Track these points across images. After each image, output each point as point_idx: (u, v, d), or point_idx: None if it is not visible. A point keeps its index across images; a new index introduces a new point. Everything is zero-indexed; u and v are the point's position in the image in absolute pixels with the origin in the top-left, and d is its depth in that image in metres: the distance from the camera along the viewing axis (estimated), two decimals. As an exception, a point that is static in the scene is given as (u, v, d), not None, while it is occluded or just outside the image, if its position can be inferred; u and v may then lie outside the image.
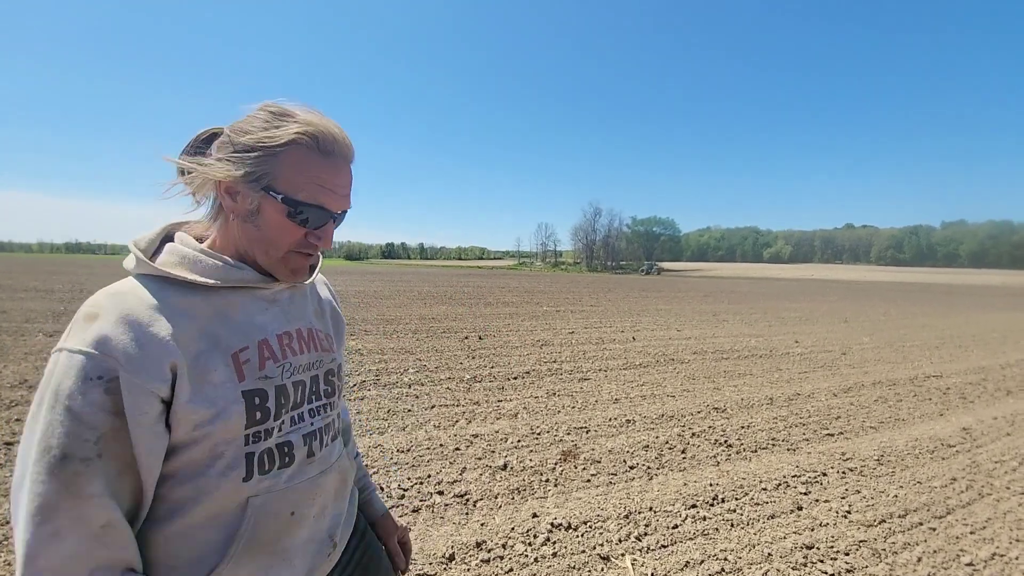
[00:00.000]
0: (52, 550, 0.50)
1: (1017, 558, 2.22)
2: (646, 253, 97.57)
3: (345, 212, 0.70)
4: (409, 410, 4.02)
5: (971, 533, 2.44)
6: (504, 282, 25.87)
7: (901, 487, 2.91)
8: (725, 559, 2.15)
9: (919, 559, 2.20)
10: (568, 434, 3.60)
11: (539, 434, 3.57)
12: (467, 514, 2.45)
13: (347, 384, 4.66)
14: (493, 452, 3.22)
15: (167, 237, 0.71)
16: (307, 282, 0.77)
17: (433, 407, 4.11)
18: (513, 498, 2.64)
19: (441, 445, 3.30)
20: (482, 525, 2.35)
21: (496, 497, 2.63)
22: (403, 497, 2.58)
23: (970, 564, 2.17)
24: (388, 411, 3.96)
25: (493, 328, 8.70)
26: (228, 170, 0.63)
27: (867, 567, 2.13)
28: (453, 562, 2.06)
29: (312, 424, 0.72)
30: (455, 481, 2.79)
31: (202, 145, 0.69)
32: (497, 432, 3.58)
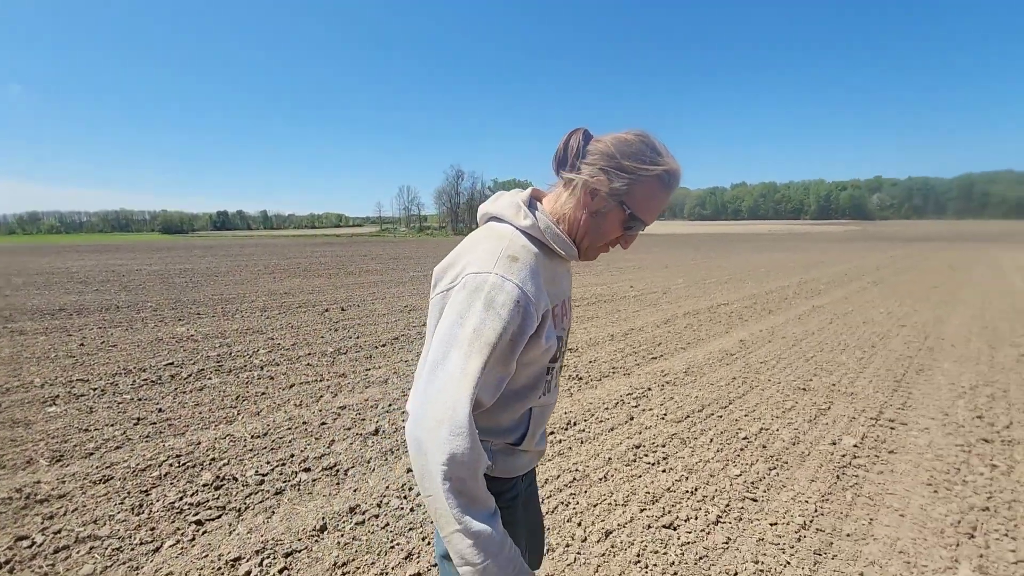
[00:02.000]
0: (463, 400, 0.71)
1: (777, 430, 3.05)
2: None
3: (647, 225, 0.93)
4: (263, 393, 3.65)
5: (745, 416, 3.27)
6: (366, 250, 24.39)
7: (700, 390, 3.73)
8: (576, 469, 2.53)
9: (711, 440, 2.89)
10: (439, 391, 3.70)
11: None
12: (338, 484, 2.40)
13: (239, 370, 4.00)
14: (363, 420, 3.16)
15: (530, 203, 0.90)
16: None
17: (292, 386, 3.81)
18: (387, 459, 2.65)
19: (305, 423, 3.10)
20: (355, 491, 2.33)
21: (368, 462, 2.62)
22: (262, 483, 2.39)
23: (745, 438, 2.93)
24: (237, 398, 3.54)
25: (356, 298, 8.25)
26: (606, 181, 0.82)
27: (677, 452, 2.73)
28: (325, 532, 2.02)
29: (558, 370, 0.97)
30: (323, 455, 2.68)
31: (582, 142, 0.86)
32: (367, 400, 3.50)
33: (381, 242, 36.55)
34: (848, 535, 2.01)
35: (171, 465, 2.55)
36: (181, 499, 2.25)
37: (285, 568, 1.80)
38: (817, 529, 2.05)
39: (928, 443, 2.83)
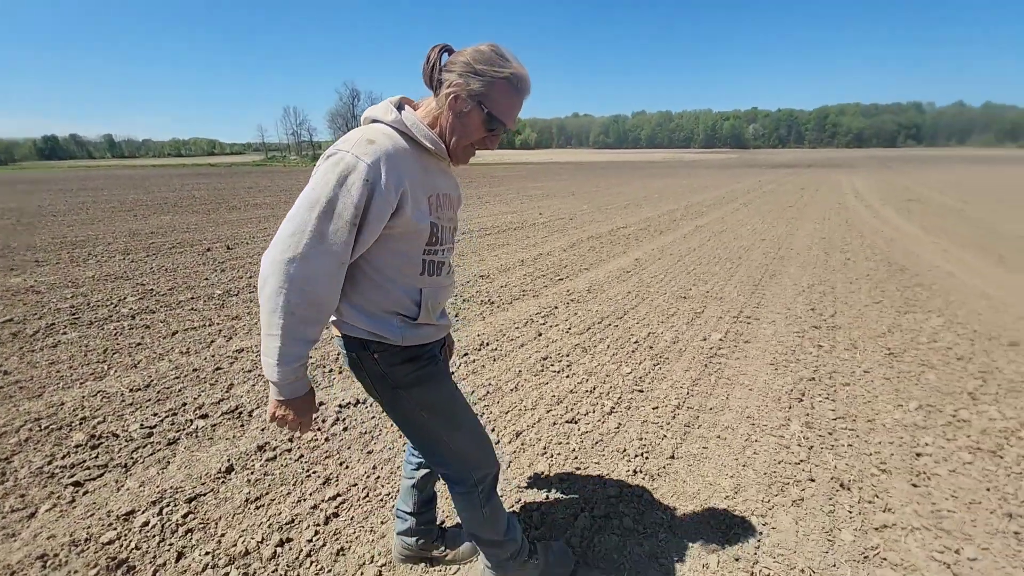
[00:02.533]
0: (315, 258, 0.91)
1: (662, 332, 3.47)
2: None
3: (511, 129, 1.07)
4: (139, 344, 3.24)
5: (636, 323, 3.66)
6: (251, 181, 21.47)
7: (600, 304, 4.08)
8: (490, 384, 2.69)
9: (608, 346, 3.23)
10: (348, 325, 3.58)
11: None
12: (242, 426, 2.30)
13: (103, 321, 3.35)
14: (265, 361, 2.98)
15: (399, 105, 1.06)
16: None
17: (175, 333, 3.42)
18: (296, 396, 2.57)
19: (195, 370, 2.85)
20: (262, 431, 2.25)
21: (276, 400, 2.51)
22: (150, 435, 2.20)
23: (635, 342, 3.30)
24: (104, 351, 3.11)
25: (244, 235, 7.39)
26: (464, 84, 0.98)
27: (579, 360, 3.01)
28: (233, 473, 1.95)
29: (448, 257, 1.16)
30: (221, 400, 2.52)
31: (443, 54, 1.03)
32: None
33: (268, 172, 32.33)
34: (711, 409, 2.45)
35: (31, 430, 2.22)
36: (51, 463, 2.00)
37: (190, 512, 1.73)
38: (688, 407, 2.46)
39: (773, 332, 3.45)
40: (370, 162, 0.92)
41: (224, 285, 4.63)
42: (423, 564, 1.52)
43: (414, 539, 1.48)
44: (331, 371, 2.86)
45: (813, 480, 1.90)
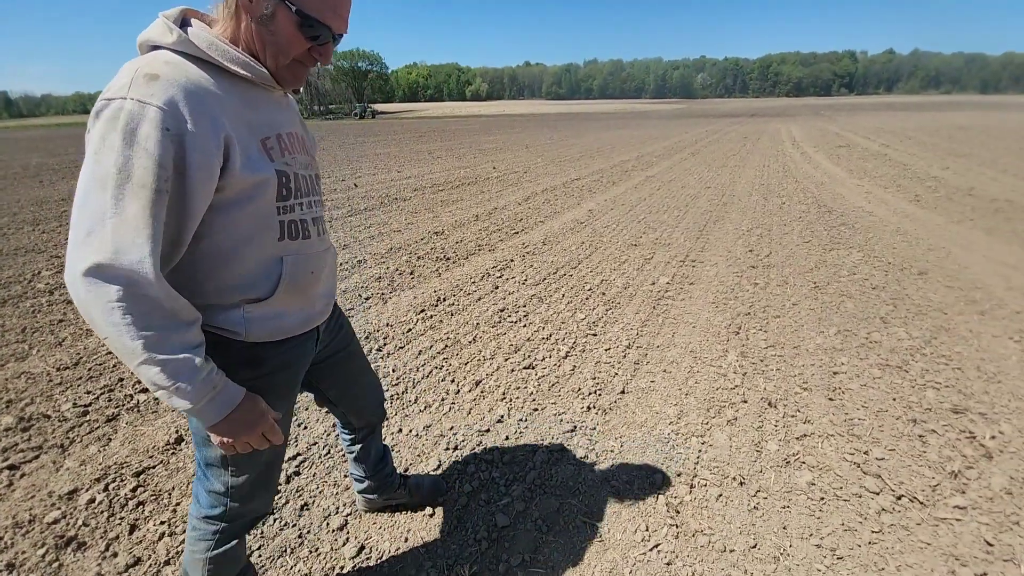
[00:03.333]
0: (130, 250, 0.66)
1: (614, 279, 3.58)
2: (356, 94, 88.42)
3: (343, 35, 0.83)
4: (61, 320, 2.99)
5: (590, 271, 3.76)
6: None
7: (555, 256, 4.14)
8: (448, 338, 2.72)
9: (563, 295, 3.31)
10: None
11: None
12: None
13: (17, 299, 2.99)
14: (209, 330, 2.84)
15: (184, 21, 0.78)
16: (292, 93, 0.95)
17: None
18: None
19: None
20: (214, 398, 2.18)
21: (224, 368, 2.43)
22: (85, 414, 2.08)
23: (589, 289, 3.40)
24: (23, 331, 2.84)
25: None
26: None
27: (536, 309, 3.08)
28: (183, 443, 1.90)
29: (315, 213, 0.94)
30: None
31: None
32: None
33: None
34: (658, 346, 2.60)
35: (-57, 418, 2.04)
36: (-26, 450, 1.85)
37: (139, 486, 1.68)
38: (637, 347, 2.60)
39: (715, 274, 3.65)
40: (161, 103, 0.66)
41: (154, 254, 4.29)
42: (387, 511, 1.57)
43: (375, 495, 1.49)
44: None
45: (746, 402, 2.10)
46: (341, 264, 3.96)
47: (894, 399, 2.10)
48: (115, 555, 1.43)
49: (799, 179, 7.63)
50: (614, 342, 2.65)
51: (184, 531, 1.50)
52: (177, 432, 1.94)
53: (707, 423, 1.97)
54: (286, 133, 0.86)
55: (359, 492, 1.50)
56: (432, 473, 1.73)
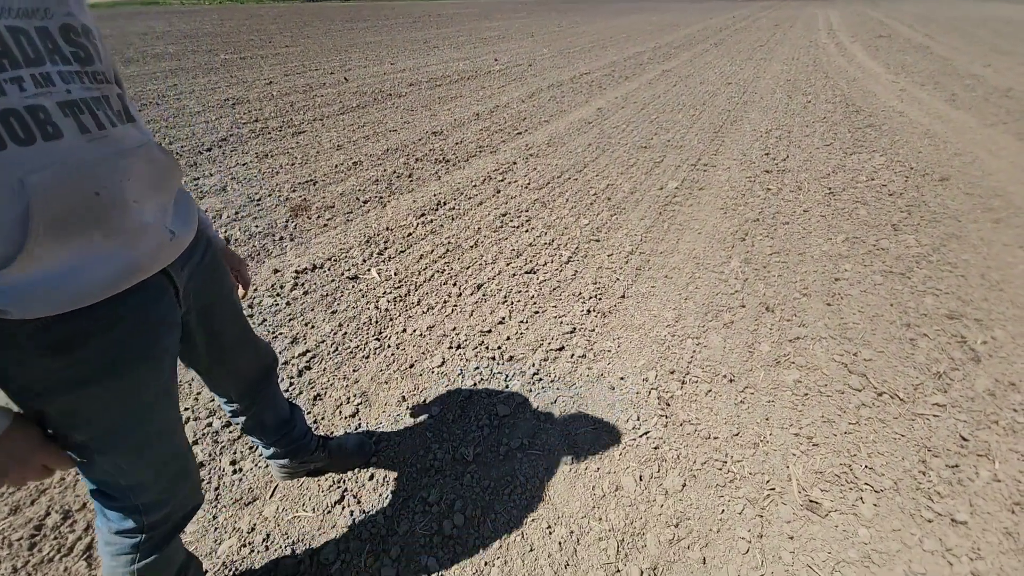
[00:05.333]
0: None
1: (621, 184, 3.44)
2: (338, -30, 77.77)
3: None
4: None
5: (596, 175, 3.60)
6: (144, 25, 17.54)
7: (560, 158, 3.93)
8: (449, 242, 2.69)
9: (567, 200, 3.20)
10: (294, 191, 3.34)
11: (259, 200, 3.21)
12: (198, 296, 2.24)
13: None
14: (207, 232, 2.80)
15: None
16: None
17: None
18: (249, 265, 2.49)
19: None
20: (220, 298, 2.22)
21: (227, 270, 2.44)
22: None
23: (594, 193, 3.28)
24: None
25: (151, 93, 6.30)
26: None
27: (538, 214, 3.00)
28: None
29: (70, 92, 0.58)
30: (168, 273, 2.41)
31: None
32: (205, 212, 3.04)
33: (162, 13, 26.32)
34: (661, 252, 2.58)
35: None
36: None
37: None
38: (640, 252, 2.58)
39: (727, 179, 3.50)
40: None
41: (140, 153, 4.09)
42: (309, 477, 1.40)
43: (288, 459, 1.28)
44: (281, 239, 2.74)
45: (744, 306, 2.13)
46: (336, 166, 3.78)
47: (891, 305, 2.12)
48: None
49: (830, 74, 6.98)
50: (617, 248, 2.62)
51: (207, 416, 1.61)
52: (189, 330, 2.01)
53: (703, 326, 2.01)
54: None
55: (268, 458, 1.29)
56: (356, 432, 1.54)
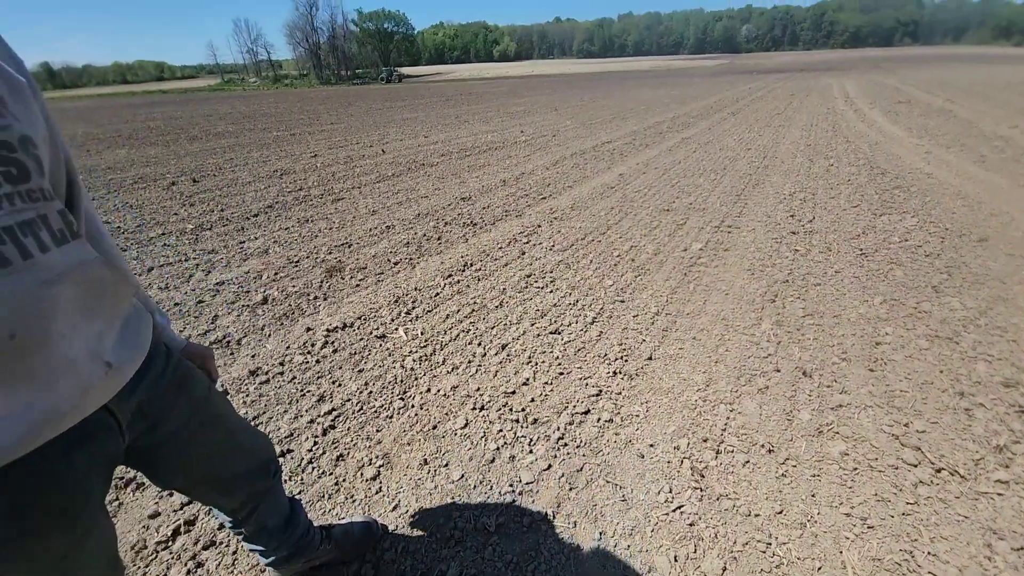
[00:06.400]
0: None
1: (644, 245, 3.49)
2: (382, 57, 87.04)
3: None
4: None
5: (619, 237, 3.67)
6: (210, 108, 19.83)
7: (583, 221, 4.05)
8: (474, 303, 2.74)
9: (591, 261, 3.26)
10: (330, 253, 3.54)
11: (297, 262, 3.40)
12: (232, 354, 2.33)
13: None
14: (248, 292, 2.96)
15: None
16: None
17: (151, 270, 3.34)
18: (282, 324, 2.60)
19: (177, 304, 2.83)
20: (253, 357, 2.30)
21: (262, 329, 2.54)
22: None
23: (618, 255, 3.33)
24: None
25: (210, 167, 6.98)
26: None
27: (562, 275, 3.05)
28: (228, 397, 2.02)
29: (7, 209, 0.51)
30: (207, 331, 2.53)
31: None
32: (247, 273, 3.24)
33: (227, 97, 29.80)
34: (688, 314, 2.55)
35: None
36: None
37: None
38: (666, 314, 2.55)
39: (752, 240, 3.50)
40: None
41: (195, 219, 4.46)
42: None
43: (292, 562, 1.15)
44: (315, 299, 2.86)
45: (779, 370, 2.04)
46: (370, 230, 4.00)
47: (941, 371, 1.99)
48: (172, 494, 1.56)
49: (850, 138, 7.10)
50: (642, 309, 2.60)
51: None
52: (222, 387, 2.07)
53: (736, 391, 1.93)
54: None
55: (269, 565, 1.13)
56: (363, 517, 1.39)
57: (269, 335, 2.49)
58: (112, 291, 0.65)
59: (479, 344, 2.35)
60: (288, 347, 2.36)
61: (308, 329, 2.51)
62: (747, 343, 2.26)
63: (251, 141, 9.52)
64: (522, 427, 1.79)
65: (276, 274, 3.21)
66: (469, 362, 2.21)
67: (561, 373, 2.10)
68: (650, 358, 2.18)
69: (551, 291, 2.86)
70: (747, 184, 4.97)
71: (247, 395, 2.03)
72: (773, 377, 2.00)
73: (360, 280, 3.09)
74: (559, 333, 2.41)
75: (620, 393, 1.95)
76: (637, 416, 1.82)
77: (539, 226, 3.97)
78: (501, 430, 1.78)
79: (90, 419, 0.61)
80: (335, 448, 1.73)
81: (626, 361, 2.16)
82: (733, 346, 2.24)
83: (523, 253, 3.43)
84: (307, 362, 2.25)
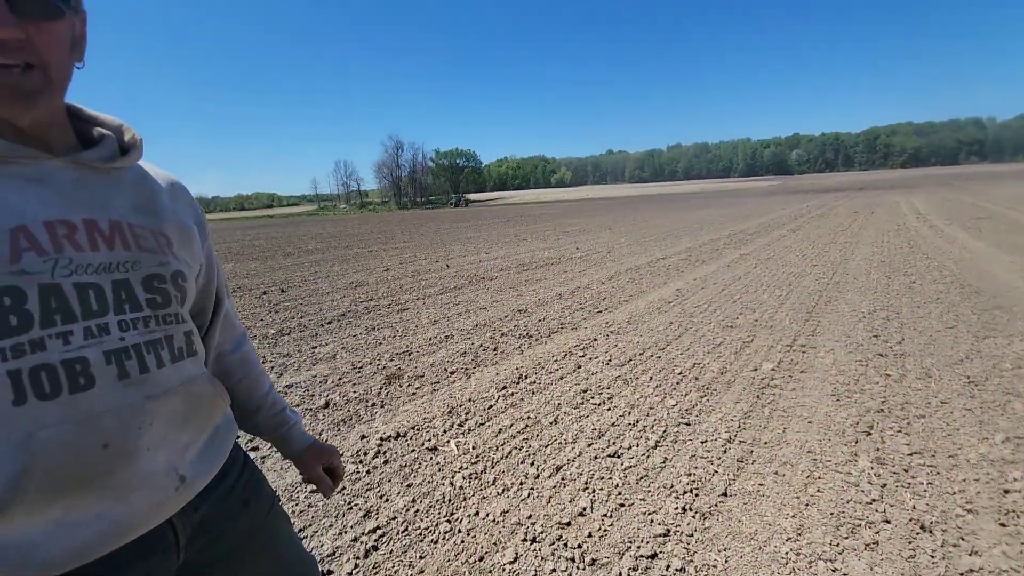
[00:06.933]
0: None
1: (708, 363, 3.32)
2: (453, 186, 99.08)
3: None
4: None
5: (680, 354, 3.53)
6: (304, 229, 23.08)
7: (641, 336, 3.97)
8: (528, 417, 2.65)
9: (651, 378, 3.12)
10: (391, 360, 3.68)
11: (360, 368, 3.56)
12: (288, 461, 2.36)
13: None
14: (312, 396, 3.10)
15: None
16: (118, 165, 0.63)
17: (232, 370, 3.63)
18: (339, 429, 2.64)
19: (249, 404, 3.00)
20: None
21: (320, 434, 2.59)
22: (208, 464, 2.31)
23: (680, 372, 3.17)
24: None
25: (297, 279, 7.87)
26: None
27: (620, 392, 2.92)
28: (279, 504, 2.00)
29: (124, 339, 0.57)
30: (272, 432, 2.62)
31: None
32: (315, 377, 3.42)
33: (320, 220, 34.69)
34: (766, 443, 2.28)
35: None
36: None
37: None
38: (740, 441, 2.30)
39: (833, 361, 3.21)
40: None
41: (277, 325, 4.91)
42: None
43: None
44: (372, 405, 2.92)
45: (889, 522, 1.71)
46: (431, 339, 4.17)
47: (1116, 540, 1.57)
48: None
49: (930, 255, 6.72)
50: (711, 434, 2.38)
51: None
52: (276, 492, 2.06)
53: (838, 545, 1.62)
54: (51, 221, 0.55)
55: None
56: None
57: (326, 440, 2.52)
58: (208, 404, 0.69)
59: (532, 464, 2.21)
60: (342, 455, 2.36)
61: (363, 437, 2.52)
62: (843, 484, 1.94)
63: (334, 257, 10.76)
64: (578, 568, 1.59)
65: (340, 379, 3.36)
66: (521, 483, 2.07)
67: (622, 504, 1.90)
68: (725, 494, 1.93)
69: (609, 408, 2.72)
70: (818, 301, 4.73)
71: (297, 504, 2.00)
72: (883, 530, 1.67)
73: (417, 388, 3.14)
74: (618, 456, 2.23)
75: (692, 536, 1.71)
76: (715, 568, 1.56)
77: (595, 339, 3.94)
78: (555, 570, 1.58)
79: (151, 532, 0.61)
80: (376, 573, 1.61)
81: (697, 496, 1.92)
82: (826, 487, 1.94)
83: (579, 367, 3.37)
84: (358, 472, 2.22)
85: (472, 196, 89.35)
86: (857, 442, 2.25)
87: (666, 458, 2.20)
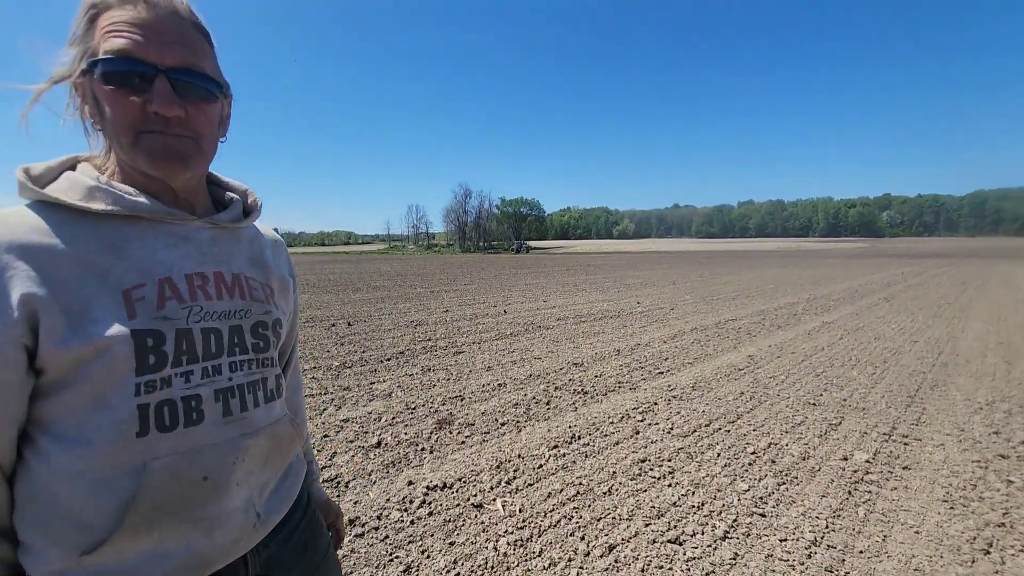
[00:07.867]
0: None
1: (787, 444, 2.98)
2: (515, 232, 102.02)
3: (185, 69, 0.59)
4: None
5: (753, 430, 3.20)
6: (374, 267, 24.61)
7: (707, 404, 3.67)
8: (580, 483, 2.48)
9: (718, 454, 2.83)
10: (443, 404, 3.68)
11: (414, 408, 3.58)
12: (338, 496, 2.38)
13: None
14: (366, 433, 3.14)
15: (71, 168, 0.63)
16: (243, 225, 0.72)
17: (296, 399, 3.81)
18: (388, 472, 2.63)
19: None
20: (355, 503, 2.31)
21: (370, 474, 2.59)
22: (263, 493, 2.38)
23: (753, 452, 2.86)
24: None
25: (363, 314, 8.29)
26: (72, 67, 0.58)
27: (683, 467, 2.67)
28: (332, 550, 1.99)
29: (231, 379, 0.63)
30: (324, 467, 2.66)
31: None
32: (370, 413, 3.48)
33: (389, 259, 36.87)
34: (861, 552, 1.94)
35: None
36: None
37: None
38: (828, 545, 1.98)
39: (944, 459, 2.74)
40: None
41: (341, 357, 5.13)
42: None
43: None
44: (422, 449, 2.89)
45: None
46: (483, 385, 4.13)
47: None
48: None
49: (1062, 340, 5.74)
50: (792, 531, 2.08)
51: None
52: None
53: None
54: (190, 273, 0.62)
55: None
56: None
57: (375, 481, 2.51)
58: (288, 445, 0.73)
59: (582, 538, 2.04)
60: (388, 499, 2.33)
61: (410, 483, 2.48)
62: (966, 620, 1.59)
63: (399, 295, 11.27)
64: (631, 677, 1.39)
65: (393, 418, 3.39)
66: (570, 560, 1.90)
67: (684, 604, 1.67)
68: (810, 610, 1.64)
69: (670, 485, 2.48)
70: (921, 384, 4.15)
71: (341, 548, 1.97)
72: None
73: (467, 437, 3.08)
74: (680, 544, 2.00)
75: (769, 658, 1.45)
76: None
77: (655, 403, 3.69)
78: (603, 674, 1.40)
79: (227, 567, 0.64)
80: (408, 642, 1.51)
81: (775, 607, 1.65)
82: (943, 620, 1.59)
83: (637, 432, 3.15)
84: (402, 520, 2.17)
85: (533, 243, 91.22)
86: (974, 562, 1.86)
87: (737, 553, 1.93)
